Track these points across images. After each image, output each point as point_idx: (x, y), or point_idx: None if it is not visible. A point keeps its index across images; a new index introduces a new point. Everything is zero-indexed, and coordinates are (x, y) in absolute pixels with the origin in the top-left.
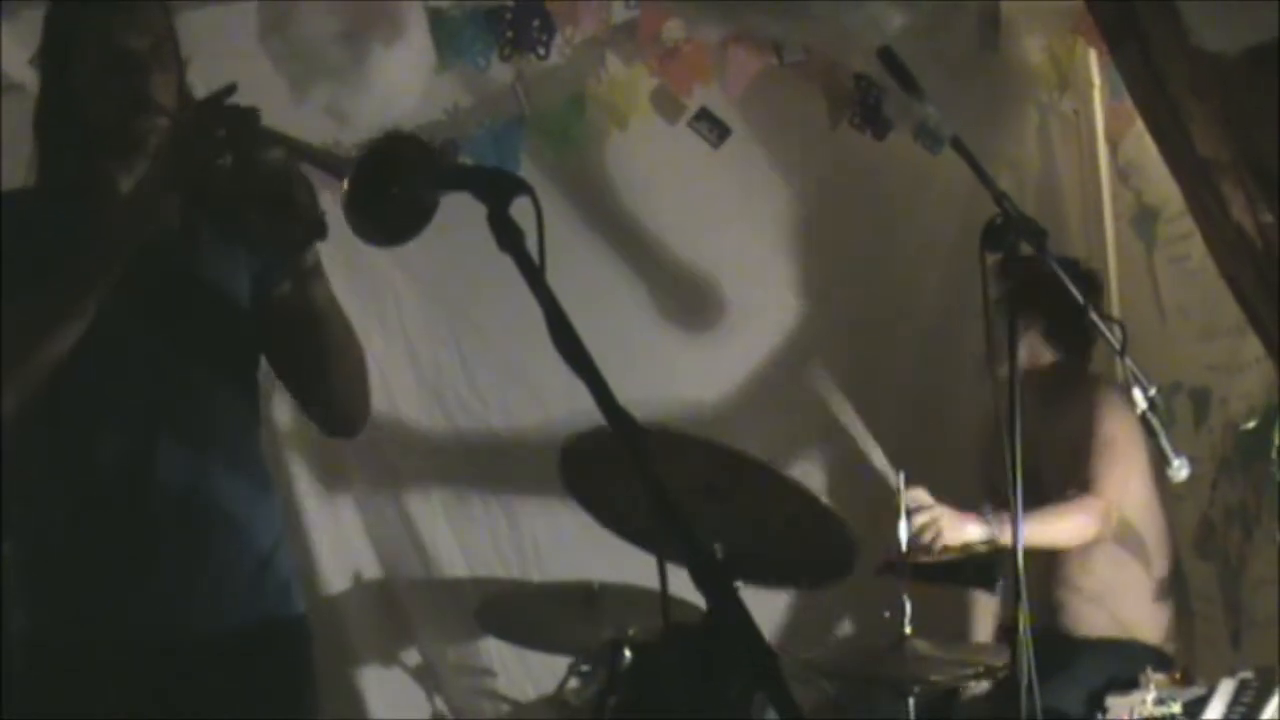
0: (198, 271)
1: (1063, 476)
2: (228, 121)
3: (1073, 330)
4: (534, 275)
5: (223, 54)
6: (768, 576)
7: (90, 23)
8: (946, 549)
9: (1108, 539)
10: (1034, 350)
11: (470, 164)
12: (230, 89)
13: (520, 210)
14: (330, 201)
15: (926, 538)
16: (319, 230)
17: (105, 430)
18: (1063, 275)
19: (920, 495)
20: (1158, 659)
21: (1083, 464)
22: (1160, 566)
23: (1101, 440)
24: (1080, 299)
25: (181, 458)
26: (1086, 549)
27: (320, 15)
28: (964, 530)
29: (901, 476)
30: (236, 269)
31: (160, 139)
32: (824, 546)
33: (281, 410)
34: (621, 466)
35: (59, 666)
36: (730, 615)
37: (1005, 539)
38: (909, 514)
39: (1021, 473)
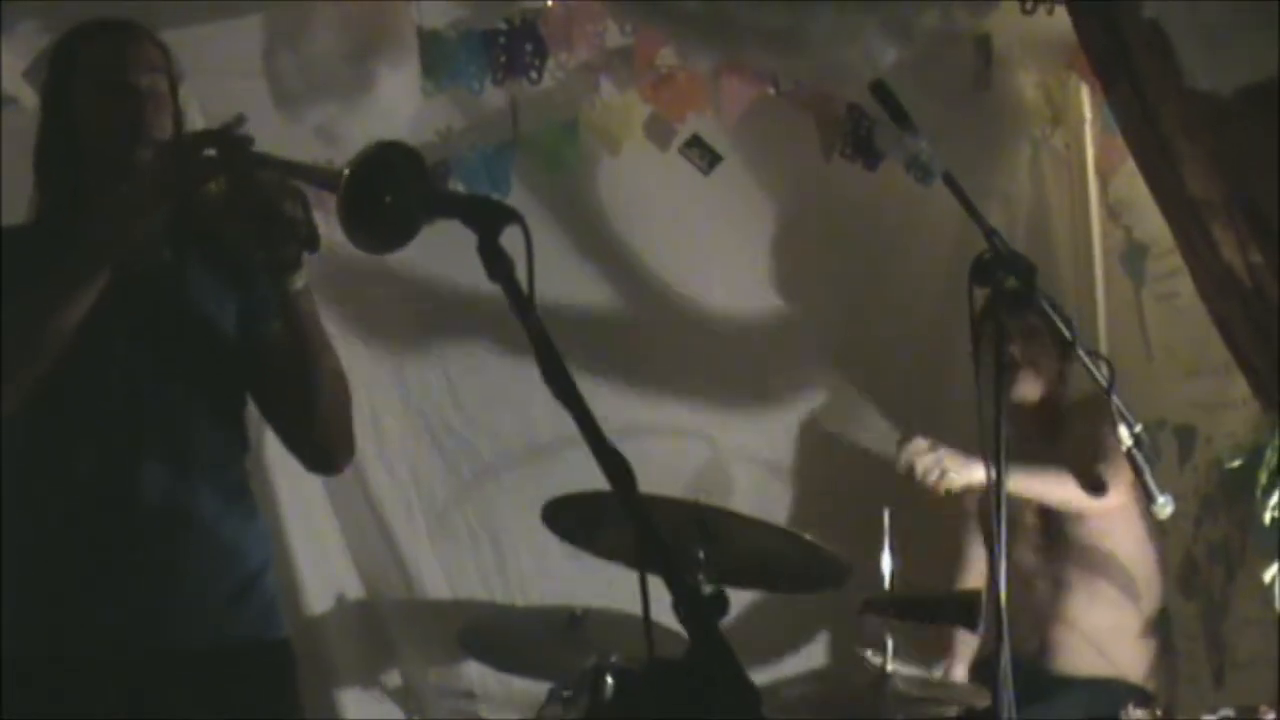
0: (185, 301)
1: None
2: (218, 143)
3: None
4: (523, 305)
5: (214, 73)
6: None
7: (91, 56)
8: (949, 491)
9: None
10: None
11: (461, 191)
12: (239, 120)
13: (510, 238)
14: (322, 220)
15: (932, 479)
16: (312, 243)
17: (88, 449)
18: (1051, 311)
19: (920, 442)
20: (1139, 697)
21: (1092, 448)
22: (1149, 604)
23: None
24: (1069, 335)
25: (163, 478)
26: (1092, 589)
27: (330, 33)
28: (969, 471)
29: (886, 514)
30: (224, 301)
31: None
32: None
33: (269, 431)
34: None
35: (36, 679)
36: (714, 652)
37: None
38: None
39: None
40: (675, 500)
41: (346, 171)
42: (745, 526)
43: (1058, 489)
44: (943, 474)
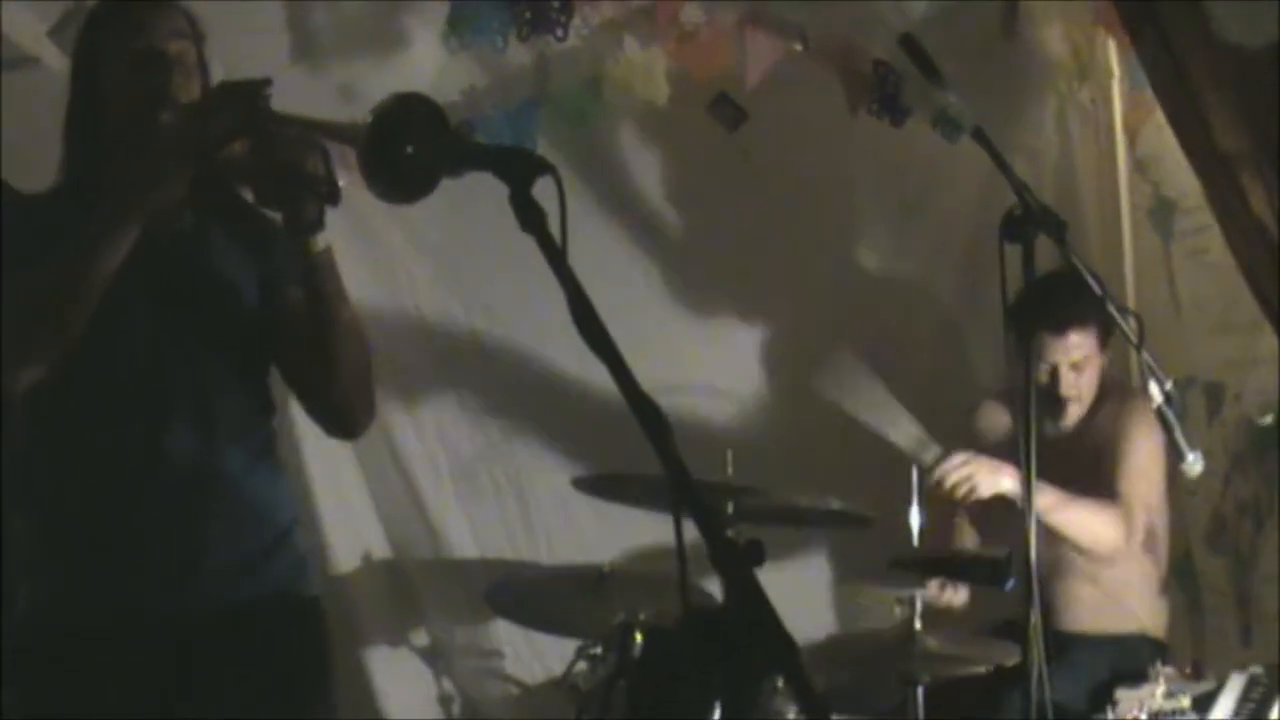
0: (206, 267)
1: (1091, 488)
2: (239, 103)
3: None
4: (556, 257)
5: (234, 30)
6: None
7: (119, 23)
8: (978, 501)
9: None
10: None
11: (492, 144)
12: (264, 81)
13: (541, 191)
14: (344, 177)
15: (961, 491)
16: (334, 197)
17: (114, 412)
18: (1082, 268)
19: (956, 459)
20: (1161, 652)
21: (1112, 477)
22: (1165, 561)
23: (1132, 457)
24: (1099, 290)
25: (188, 440)
26: None
27: None
28: (999, 480)
29: (915, 471)
30: (246, 267)
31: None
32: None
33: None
34: None
35: (66, 640)
36: (749, 602)
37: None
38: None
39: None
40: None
41: (367, 121)
42: (772, 498)
43: (1090, 526)
44: (972, 488)
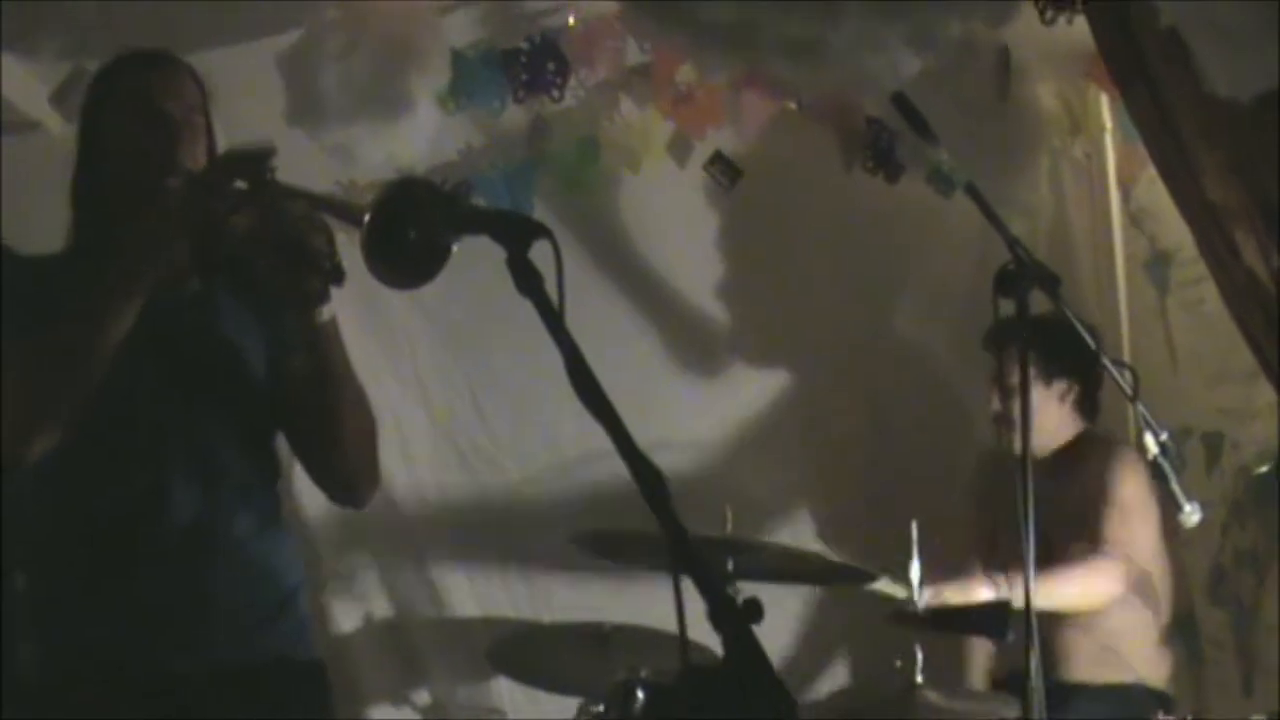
0: (213, 331)
1: (1072, 539)
2: (245, 173)
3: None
4: (553, 319)
5: (235, 91)
6: None
7: (126, 86)
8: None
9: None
10: (1059, 419)
11: (489, 207)
12: (269, 151)
13: (537, 253)
14: (348, 247)
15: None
16: (337, 276)
17: (119, 474)
18: (1075, 321)
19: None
20: (1162, 702)
21: (1095, 524)
22: (1166, 611)
23: (1118, 501)
24: (1093, 345)
25: (194, 503)
26: None
27: (360, 53)
28: (974, 593)
29: (914, 525)
30: (251, 332)
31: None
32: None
33: None
34: None
35: (68, 698)
36: (748, 658)
37: (1018, 600)
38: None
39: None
40: (701, 537)
41: (367, 215)
42: (771, 552)
43: (1084, 589)
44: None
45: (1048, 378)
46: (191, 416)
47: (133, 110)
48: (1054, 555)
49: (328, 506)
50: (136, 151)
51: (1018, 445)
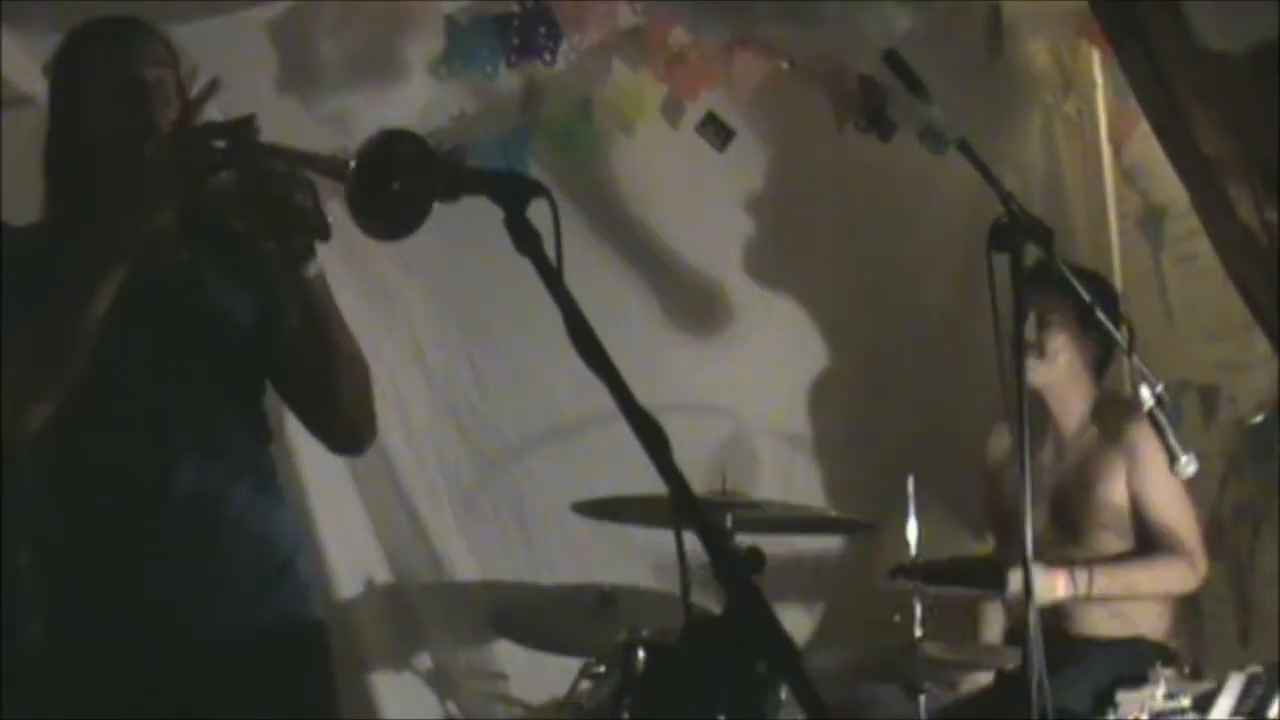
0: (202, 298)
1: (1100, 515)
2: (226, 134)
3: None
4: (552, 278)
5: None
6: None
7: (97, 54)
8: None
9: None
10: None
11: (486, 167)
12: (250, 119)
13: (535, 213)
14: (337, 209)
15: None
16: (323, 232)
17: (115, 446)
18: (1070, 276)
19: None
20: (1164, 656)
21: (1149, 519)
22: (1201, 565)
23: (1167, 497)
24: (1087, 298)
25: (191, 470)
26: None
27: (351, 20)
28: (1054, 590)
29: (911, 481)
30: (240, 296)
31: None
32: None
33: (293, 419)
34: None
35: (72, 670)
36: (752, 609)
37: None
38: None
39: (1060, 522)
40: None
41: (352, 163)
42: (769, 510)
43: (1155, 583)
44: None
45: (1083, 328)
46: (185, 385)
47: (103, 79)
48: (1092, 548)
49: (323, 469)
50: (110, 120)
51: (1042, 375)
